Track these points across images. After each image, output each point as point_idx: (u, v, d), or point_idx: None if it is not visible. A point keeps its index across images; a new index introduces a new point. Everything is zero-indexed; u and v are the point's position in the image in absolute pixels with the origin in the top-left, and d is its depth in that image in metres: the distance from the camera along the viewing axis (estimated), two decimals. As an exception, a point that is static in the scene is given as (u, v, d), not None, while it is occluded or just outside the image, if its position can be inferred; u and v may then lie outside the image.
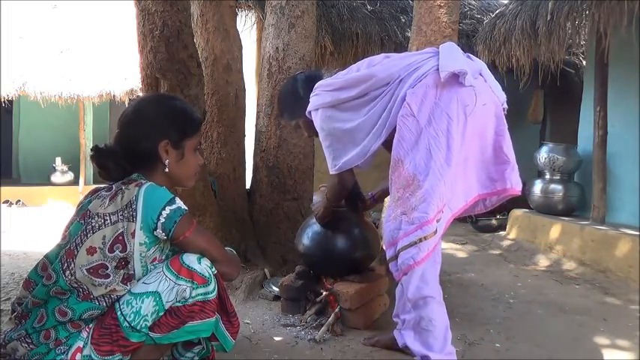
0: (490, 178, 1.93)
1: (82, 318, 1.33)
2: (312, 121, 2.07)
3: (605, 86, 4.23)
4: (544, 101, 6.86)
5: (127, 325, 1.32)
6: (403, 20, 5.93)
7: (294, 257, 2.84)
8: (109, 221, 1.34)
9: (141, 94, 3.27)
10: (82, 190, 7.49)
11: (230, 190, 3.12)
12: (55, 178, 8.00)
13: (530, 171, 5.12)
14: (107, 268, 1.33)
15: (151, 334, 1.36)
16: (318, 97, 2.01)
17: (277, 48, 3.08)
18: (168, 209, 1.36)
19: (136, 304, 1.34)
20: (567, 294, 3.14)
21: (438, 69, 1.81)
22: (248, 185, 3.35)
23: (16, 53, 6.89)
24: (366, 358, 1.99)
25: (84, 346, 1.33)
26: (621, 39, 3.99)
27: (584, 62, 5.80)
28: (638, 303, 2.95)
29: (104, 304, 1.34)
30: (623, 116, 4.35)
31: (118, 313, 1.34)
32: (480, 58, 2.02)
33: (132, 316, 1.33)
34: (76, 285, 1.32)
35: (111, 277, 1.33)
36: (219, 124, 3.13)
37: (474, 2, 6.61)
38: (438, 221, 1.78)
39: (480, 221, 5.53)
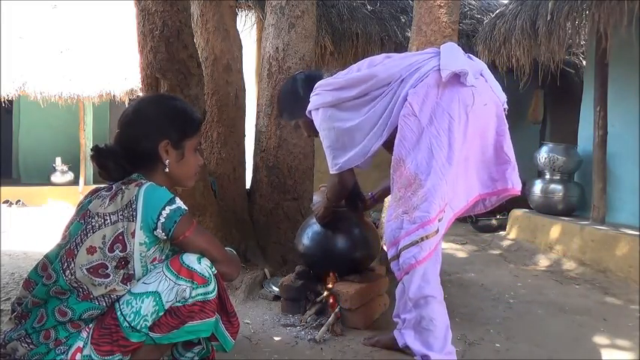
0: (491, 178, 1.93)
1: (82, 318, 1.33)
2: (312, 121, 2.07)
3: (605, 86, 4.23)
4: (544, 101, 6.87)
5: (127, 325, 1.32)
6: (403, 20, 5.93)
7: (294, 257, 2.84)
8: (109, 221, 1.34)
9: (141, 94, 3.27)
10: (82, 190, 7.49)
11: (230, 190, 3.12)
12: (55, 178, 8.00)
13: (530, 171, 5.12)
14: (107, 268, 1.33)
15: (151, 334, 1.36)
16: (319, 96, 2.01)
17: (277, 48, 3.09)
18: (168, 209, 1.36)
19: (136, 304, 1.34)
20: (567, 294, 3.14)
21: (439, 69, 1.82)
22: (248, 185, 3.35)
23: (16, 53, 6.89)
24: (366, 358, 1.98)
25: (84, 346, 1.32)
26: (621, 39, 3.99)
27: (584, 62, 5.80)
28: (638, 303, 2.95)
29: (104, 304, 1.34)
30: (623, 116, 4.35)
31: (118, 313, 1.33)
32: (480, 58, 2.03)
33: (132, 316, 1.33)
34: (75, 285, 1.32)
35: (111, 277, 1.33)
36: (219, 124, 3.13)
37: (473, 2, 6.61)
38: (439, 220, 1.78)
39: (480, 221, 5.53)
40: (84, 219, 1.37)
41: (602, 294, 3.17)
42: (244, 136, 3.34)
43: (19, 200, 7.32)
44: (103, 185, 1.46)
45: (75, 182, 7.97)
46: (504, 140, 1.90)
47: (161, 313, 1.36)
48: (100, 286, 1.33)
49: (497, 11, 5.30)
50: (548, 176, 4.79)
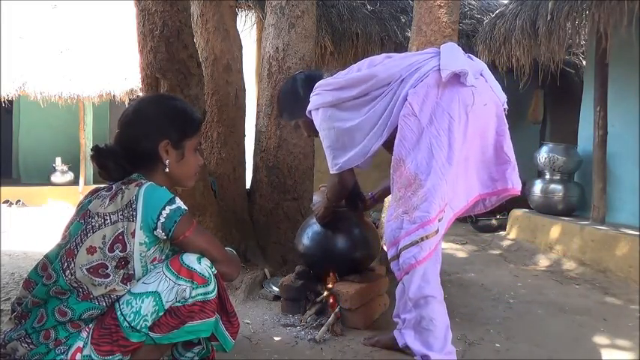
0: (491, 178, 1.93)
1: (82, 318, 1.33)
2: (312, 121, 2.07)
3: (605, 86, 4.23)
4: (544, 101, 6.87)
5: (127, 325, 1.32)
6: (403, 20, 5.93)
7: (294, 257, 2.84)
8: (109, 221, 1.34)
9: (141, 94, 3.27)
10: (82, 190, 7.49)
11: (230, 190, 3.12)
12: (55, 178, 8.00)
13: (530, 171, 5.12)
14: (107, 268, 1.33)
15: (151, 334, 1.36)
16: (319, 96, 2.01)
17: (277, 48, 3.09)
18: (168, 209, 1.36)
19: (136, 304, 1.34)
20: (567, 294, 3.14)
21: (439, 69, 1.82)
22: (248, 185, 3.35)
23: (16, 53, 6.89)
24: (366, 358, 1.98)
25: (84, 346, 1.32)
26: (621, 39, 3.99)
27: (584, 62, 5.80)
28: (638, 303, 2.95)
29: (104, 304, 1.34)
30: (623, 116, 4.35)
31: (118, 313, 1.33)
32: (480, 58, 2.03)
33: (132, 316, 1.33)
34: (75, 285, 1.32)
35: (111, 277, 1.33)
36: (219, 124, 3.13)
37: (473, 2, 6.61)
38: (439, 220, 1.78)
39: (480, 221, 5.53)
40: (84, 219, 1.37)
41: (602, 294, 3.17)
42: (244, 136, 3.34)
43: (19, 200, 7.32)
44: (103, 185, 1.46)
45: (75, 182, 7.98)
46: (504, 140, 1.90)
47: (161, 313, 1.36)
48: (100, 286, 1.33)
49: (497, 11, 5.30)
50: (548, 176, 4.79)
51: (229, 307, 1.52)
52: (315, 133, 2.13)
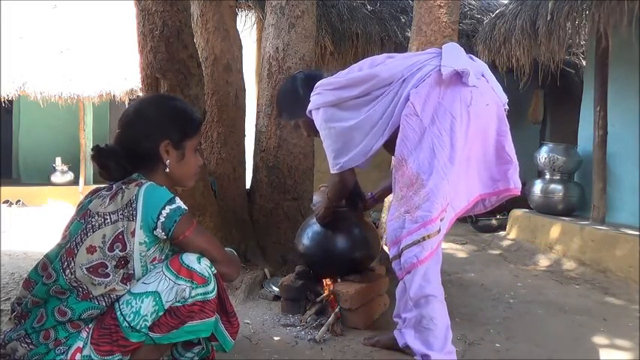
0: (492, 178, 1.93)
1: (82, 318, 1.33)
2: (312, 121, 2.07)
3: (605, 86, 4.23)
4: (544, 101, 6.87)
5: (127, 325, 1.32)
6: (403, 20, 5.93)
7: (294, 257, 2.84)
8: (109, 220, 1.34)
9: (141, 94, 3.27)
10: (82, 190, 7.49)
11: (230, 190, 3.12)
12: (55, 178, 8.00)
13: (530, 171, 5.12)
14: (107, 267, 1.33)
15: (151, 334, 1.36)
16: (320, 95, 2.01)
17: (277, 48, 3.08)
18: (168, 208, 1.36)
19: (136, 304, 1.34)
20: (567, 294, 3.14)
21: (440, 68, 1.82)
22: (248, 185, 3.35)
23: (16, 53, 6.89)
24: (366, 358, 1.98)
25: (83, 346, 1.32)
26: (621, 39, 4.00)
27: (584, 62, 5.80)
28: (638, 303, 2.95)
29: (104, 303, 1.34)
30: (623, 116, 4.35)
31: (118, 313, 1.33)
32: (480, 58, 2.03)
33: (131, 316, 1.33)
34: (75, 284, 1.32)
35: (110, 277, 1.33)
36: (219, 124, 3.13)
37: (473, 2, 6.61)
38: (441, 220, 1.78)
39: (480, 221, 5.53)
40: (84, 218, 1.37)
41: (602, 294, 3.17)
42: (244, 136, 3.34)
43: (19, 200, 7.32)
44: (103, 185, 1.47)
45: (75, 182, 7.98)
46: (505, 140, 1.90)
47: (161, 313, 1.36)
48: (99, 285, 1.33)
49: (497, 11, 5.30)
50: (548, 176, 4.79)
51: (229, 307, 1.52)
52: (315, 133, 2.13)
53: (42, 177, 8.14)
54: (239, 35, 3.37)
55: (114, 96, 6.93)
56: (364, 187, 2.43)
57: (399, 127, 1.86)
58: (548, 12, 4.00)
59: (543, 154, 4.77)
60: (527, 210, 5.00)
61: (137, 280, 1.37)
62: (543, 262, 4.06)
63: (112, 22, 7.53)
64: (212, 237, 1.53)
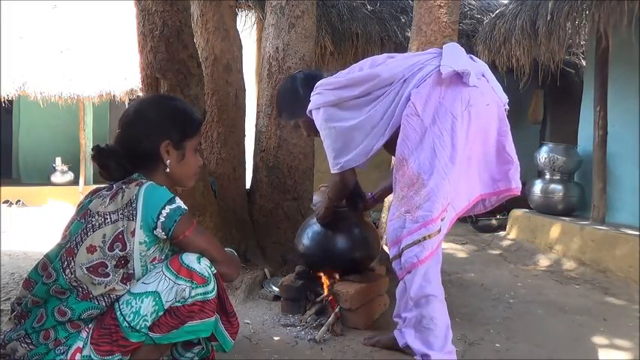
0: (492, 178, 1.93)
1: (82, 318, 1.33)
2: (312, 121, 2.07)
3: (605, 86, 4.23)
4: (544, 101, 6.87)
5: (127, 325, 1.32)
6: (403, 20, 5.93)
7: (294, 257, 2.84)
8: (109, 220, 1.34)
9: (141, 94, 3.27)
10: (82, 190, 7.49)
11: (230, 190, 3.12)
12: (55, 178, 8.00)
13: (530, 171, 5.12)
14: (107, 267, 1.33)
15: (151, 334, 1.36)
16: (320, 95, 2.01)
17: (277, 48, 3.08)
18: (168, 208, 1.36)
19: (136, 304, 1.34)
20: (567, 294, 3.14)
21: None
22: (248, 185, 3.35)
23: (16, 53, 6.89)
24: (366, 358, 1.98)
25: (83, 347, 1.32)
26: (621, 39, 3.99)
27: (584, 62, 5.80)
28: (638, 303, 2.95)
29: (103, 303, 1.34)
30: (623, 116, 4.35)
31: (118, 313, 1.33)
32: (480, 58, 2.03)
33: (131, 316, 1.33)
34: (75, 284, 1.32)
35: (110, 276, 1.33)
36: (219, 124, 3.13)
37: (473, 2, 6.61)
38: (442, 220, 1.78)
39: (480, 221, 5.53)
40: (84, 218, 1.37)
41: (602, 294, 3.17)
42: (244, 136, 3.34)
43: (19, 200, 7.32)
44: (103, 185, 1.47)
45: (75, 182, 7.98)
46: (506, 140, 1.90)
47: (161, 313, 1.36)
48: (99, 285, 1.33)
49: (497, 11, 5.30)
50: (548, 176, 4.79)
51: (229, 307, 1.52)
52: (315, 133, 2.12)
53: (42, 177, 8.14)
54: (239, 35, 3.37)
55: (114, 96, 6.93)
56: (364, 187, 2.43)
57: (399, 127, 1.86)
58: (548, 12, 4.00)
59: (543, 154, 4.77)
60: (527, 210, 5.00)
61: (137, 280, 1.37)
62: (543, 262, 4.06)
63: (112, 22, 7.53)
64: (212, 237, 1.53)
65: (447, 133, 1.78)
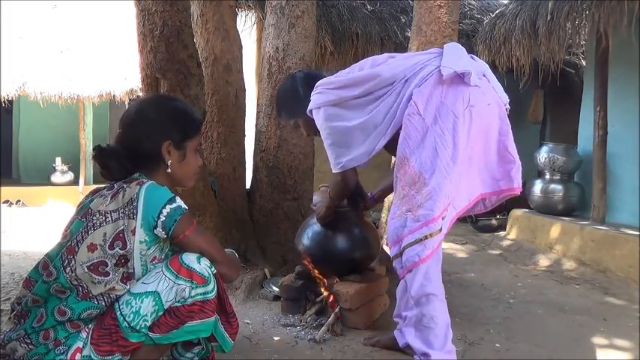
0: (493, 178, 1.93)
1: (81, 318, 1.33)
2: (312, 120, 2.07)
3: (605, 86, 4.23)
4: (544, 101, 6.87)
5: (127, 325, 1.32)
6: (403, 20, 5.93)
7: (294, 257, 2.84)
8: (110, 218, 1.34)
9: (141, 94, 3.27)
10: (82, 190, 7.49)
11: (230, 190, 3.12)
12: (55, 178, 8.00)
13: (530, 171, 5.11)
14: (107, 266, 1.33)
15: (151, 334, 1.36)
16: (321, 95, 2.01)
17: (277, 48, 3.08)
18: (168, 208, 1.37)
19: (136, 304, 1.34)
20: (567, 294, 3.14)
21: None
22: (248, 185, 3.35)
23: (16, 53, 6.89)
24: (366, 358, 1.98)
25: (83, 347, 1.32)
26: (621, 39, 3.99)
27: (584, 62, 5.80)
28: (638, 303, 2.95)
29: (103, 303, 1.34)
30: (623, 116, 4.35)
31: (118, 313, 1.34)
32: (480, 58, 2.03)
33: (131, 316, 1.33)
34: (75, 282, 1.32)
35: (110, 275, 1.33)
36: (219, 124, 3.13)
37: (473, 2, 6.61)
38: (443, 219, 1.78)
39: (480, 221, 5.53)
40: (85, 217, 1.37)
41: (602, 294, 3.17)
42: (244, 136, 3.34)
43: (19, 200, 7.32)
44: (103, 185, 1.47)
45: (75, 182, 7.98)
46: (507, 140, 1.91)
47: (160, 313, 1.36)
48: (99, 284, 1.33)
49: (497, 11, 5.30)
50: (548, 176, 4.79)
51: (229, 307, 1.52)
52: (315, 133, 2.12)
53: (42, 177, 8.14)
54: (239, 35, 3.37)
55: (114, 96, 6.94)
56: (364, 187, 2.43)
57: (401, 127, 1.86)
58: (548, 12, 4.00)
59: (543, 154, 4.77)
60: (527, 210, 5.00)
61: (137, 280, 1.37)
62: (543, 262, 4.06)
63: (112, 22, 7.53)
64: (212, 237, 1.53)
65: (448, 133, 1.78)
